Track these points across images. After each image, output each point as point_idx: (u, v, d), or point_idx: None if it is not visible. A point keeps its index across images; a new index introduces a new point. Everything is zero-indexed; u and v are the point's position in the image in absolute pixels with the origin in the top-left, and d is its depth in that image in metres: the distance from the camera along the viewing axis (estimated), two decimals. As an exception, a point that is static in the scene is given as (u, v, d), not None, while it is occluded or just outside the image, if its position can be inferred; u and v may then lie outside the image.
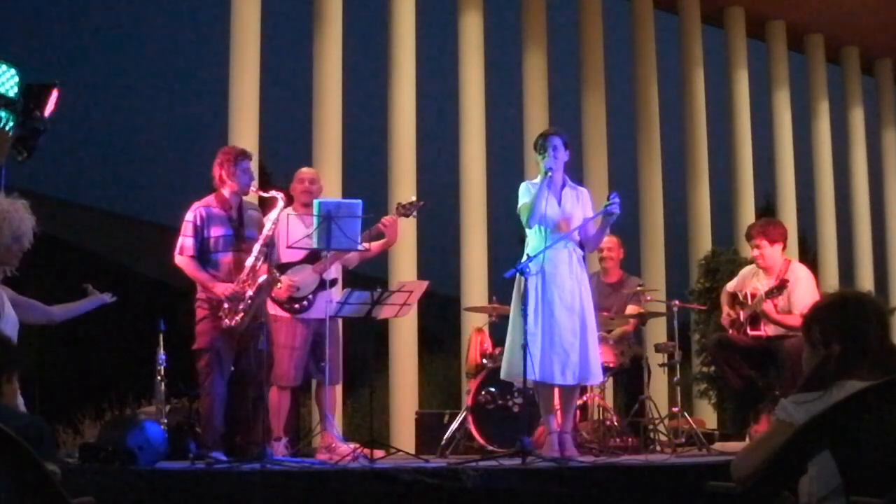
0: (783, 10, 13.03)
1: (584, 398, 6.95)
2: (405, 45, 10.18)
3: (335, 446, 6.21)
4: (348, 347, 6.68)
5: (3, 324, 4.19)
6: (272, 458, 5.23)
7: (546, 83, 11.18)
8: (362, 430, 9.36)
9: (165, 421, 5.96)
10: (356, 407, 11.45)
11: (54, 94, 5.55)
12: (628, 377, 7.74)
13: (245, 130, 9.07)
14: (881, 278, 13.95)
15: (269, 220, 5.78)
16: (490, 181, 10.55)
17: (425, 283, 6.55)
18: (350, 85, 10.02)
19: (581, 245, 6.06)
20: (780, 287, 6.35)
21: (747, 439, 6.87)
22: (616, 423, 7.15)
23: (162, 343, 6.18)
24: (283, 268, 6.33)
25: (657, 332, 9.35)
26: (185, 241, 5.79)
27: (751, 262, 7.06)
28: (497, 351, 7.21)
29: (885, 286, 13.89)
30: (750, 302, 6.54)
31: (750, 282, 6.70)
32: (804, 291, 6.38)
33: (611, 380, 8.17)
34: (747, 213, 12.29)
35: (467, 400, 7.21)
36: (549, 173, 5.87)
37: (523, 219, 5.91)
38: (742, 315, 6.57)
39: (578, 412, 6.55)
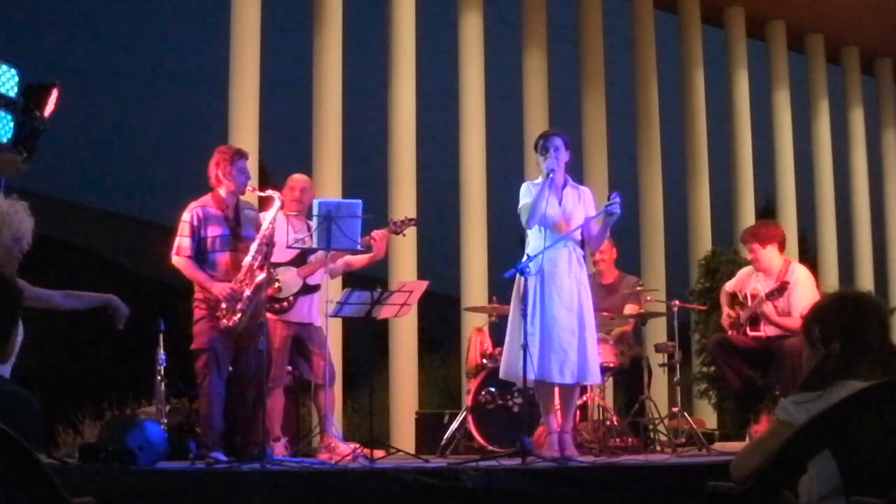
0: (783, 10, 13.03)
1: (584, 398, 6.94)
2: (405, 46, 10.18)
3: (335, 446, 6.21)
4: (348, 347, 6.68)
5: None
6: (272, 458, 5.23)
7: (546, 83, 11.18)
8: (362, 430, 9.37)
9: (165, 421, 5.95)
10: (356, 407, 11.46)
11: (54, 94, 5.55)
12: (628, 377, 7.74)
13: (245, 130, 9.07)
14: (881, 278, 13.95)
15: (266, 219, 5.77)
16: (490, 181, 10.56)
17: (425, 283, 6.55)
18: (350, 85, 10.02)
19: (582, 244, 6.06)
20: (781, 289, 6.34)
21: (747, 439, 6.87)
22: (616, 423, 7.14)
23: (162, 343, 6.18)
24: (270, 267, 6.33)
25: (657, 332, 9.35)
26: (182, 241, 5.78)
27: (750, 262, 7.05)
28: (497, 351, 7.21)
29: (885, 286, 13.90)
30: (750, 303, 6.54)
31: (749, 282, 6.69)
32: (804, 292, 6.37)
33: (611, 380, 8.17)
34: (747, 213, 12.30)
35: (467, 400, 7.21)
36: (551, 174, 5.87)
37: (523, 219, 5.91)
38: (742, 315, 6.57)
39: (578, 412, 6.54)
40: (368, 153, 12.47)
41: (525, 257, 5.85)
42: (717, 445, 7.43)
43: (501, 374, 6.04)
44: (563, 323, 5.76)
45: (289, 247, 6.23)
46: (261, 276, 5.63)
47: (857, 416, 2.58)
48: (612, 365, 7.04)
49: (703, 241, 11.89)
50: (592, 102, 11.62)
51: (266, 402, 5.74)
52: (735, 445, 6.77)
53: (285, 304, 6.38)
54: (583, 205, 5.99)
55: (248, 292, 5.60)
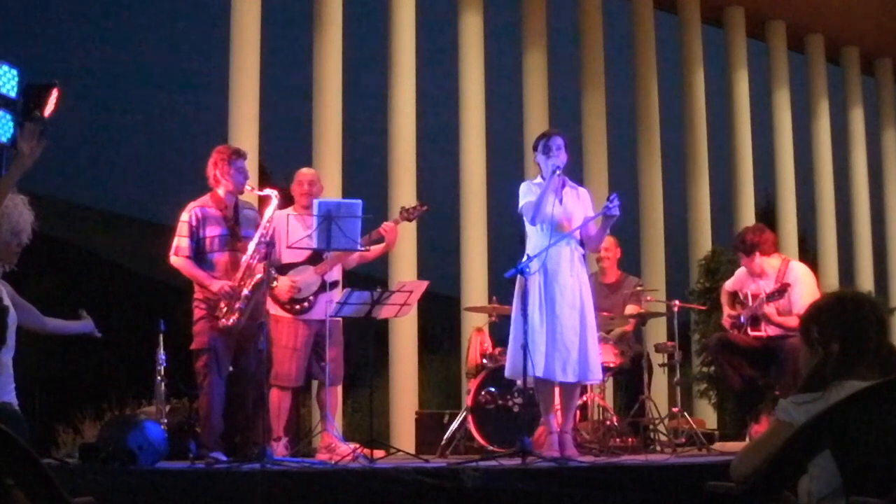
0: (783, 10, 13.04)
1: (584, 398, 6.94)
2: (405, 46, 10.19)
3: (335, 446, 6.20)
4: (348, 347, 6.68)
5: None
6: (272, 458, 5.22)
7: (546, 83, 11.19)
8: (362, 430, 9.36)
9: (165, 421, 5.96)
10: (356, 407, 11.47)
11: (54, 94, 5.54)
12: (628, 377, 7.73)
13: (245, 130, 9.08)
14: (881, 278, 13.96)
15: (263, 218, 5.77)
16: (490, 181, 10.57)
17: (425, 283, 6.54)
18: (350, 85, 10.03)
19: (582, 244, 6.07)
20: (782, 291, 6.34)
21: (747, 439, 6.87)
22: (616, 423, 7.15)
23: (162, 343, 6.18)
24: (285, 268, 6.33)
25: (657, 332, 9.35)
26: (181, 241, 5.78)
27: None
28: (497, 351, 7.22)
29: (885, 286, 13.90)
30: (750, 303, 6.54)
31: (748, 281, 6.69)
32: (804, 290, 6.37)
33: (611, 380, 8.17)
34: (747, 213, 12.30)
35: (467, 400, 7.21)
36: (558, 171, 5.87)
37: (527, 217, 5.90)
38: (742, 315, 6.57)
39: (578, 412, 6.54)
40: (368, 153, 12.48)
41: (525, 257, 5.85)
42: (717, 445, 7.43)
43: (507, 374, 6.04)
44: (567, 321, 5.76)
45: (288, 247, 6.22)
46: (259, 275, 5.62)
47: (857, 416, 2.58)
48: (612, 365, 7.04)
49: (703, 241, 11.89)
50: (592, 102, 11.62)
51: (267, 402, 5.75)
52: (735, 445, 6.77)
53: (305, 304, 6.35)
54: (582, 205, 6.00)
55: (246, 291, 5.59)
